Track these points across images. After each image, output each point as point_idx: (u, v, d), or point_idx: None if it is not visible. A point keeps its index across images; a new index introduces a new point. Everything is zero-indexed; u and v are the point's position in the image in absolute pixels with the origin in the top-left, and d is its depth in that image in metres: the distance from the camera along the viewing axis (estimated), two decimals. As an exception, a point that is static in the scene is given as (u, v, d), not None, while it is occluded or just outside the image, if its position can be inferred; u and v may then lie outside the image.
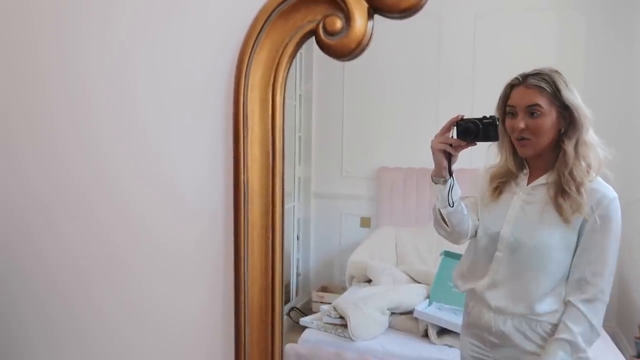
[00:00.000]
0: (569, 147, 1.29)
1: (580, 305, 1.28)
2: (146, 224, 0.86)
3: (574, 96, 1.29)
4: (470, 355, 1.50)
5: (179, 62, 0.81)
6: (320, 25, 0.68)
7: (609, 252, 1.30)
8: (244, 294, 0.75)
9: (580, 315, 1.28)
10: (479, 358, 1.46)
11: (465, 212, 1.43)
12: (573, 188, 1.28)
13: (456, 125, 1.31)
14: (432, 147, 1.35)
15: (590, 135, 1.30)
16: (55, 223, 0.92)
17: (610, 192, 1.30)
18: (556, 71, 1.32)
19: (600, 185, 1.30)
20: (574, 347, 1.27)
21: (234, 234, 0.75)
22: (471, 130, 1.29)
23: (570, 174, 1.28)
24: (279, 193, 0.74)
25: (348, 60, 0.70)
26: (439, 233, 1.50)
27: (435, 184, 1.39)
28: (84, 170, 0.89)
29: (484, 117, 1.30)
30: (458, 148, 1.33)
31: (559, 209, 1.30)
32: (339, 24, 0.68)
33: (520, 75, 1.35)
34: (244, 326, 0.75)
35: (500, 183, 1.43)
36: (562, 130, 1.31)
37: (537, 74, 1.31)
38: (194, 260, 0.83)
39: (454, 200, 1.38)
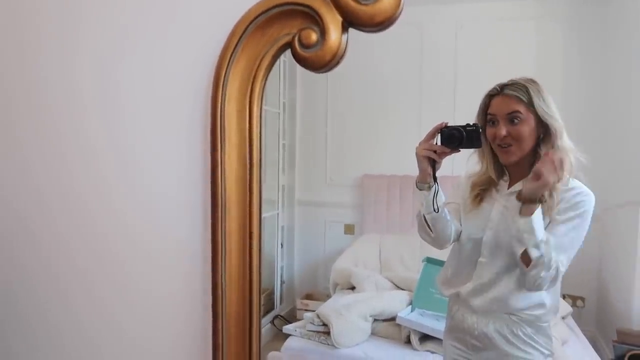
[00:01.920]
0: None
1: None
2: (128, 229, 0.87)
3: (546, 104, 1.33)
4: (453, 358, 1.52)
5: (156, 75, 0.82)
6: (296, 38, 0.70)
7: (573, 229, 1.30)
8: (222, 304, 0.75)
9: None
10: (461, 362, 1.48)
11: (449, 218, 1.46)
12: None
13: (440, 133, 1.33)
14: (416, 153, 1.37)
15: (565, 140, 1.33)
16: (54, 221, 0.92)
17: (586, 190, 1.33)
18: (531, 80, 1.36)
19: (577, 185, 1.33)
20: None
21: (212, 244, 0.76)
22: (455, 137, 1.31)
23: None
24: (256, 203, 0.75)
25: (324, 72, 0.71)
26: (423, 239, 1.52)
27: (420, 190, 1.41)
28: (79, 173, 0.89)
29: (468, 125, 1.32)
30: (442, 155, 1.35)
31: None
32: (314, 37, 0.69)
33: (497, 85, 1.39)
34: (221, 335, 0.75)
35: (481, 191, 1.46)
36: (540, 136, 1.35)
37: (513, 84, 1.36)
38: (172, 270, 0.83)
39: (438, 205, 1.40)
